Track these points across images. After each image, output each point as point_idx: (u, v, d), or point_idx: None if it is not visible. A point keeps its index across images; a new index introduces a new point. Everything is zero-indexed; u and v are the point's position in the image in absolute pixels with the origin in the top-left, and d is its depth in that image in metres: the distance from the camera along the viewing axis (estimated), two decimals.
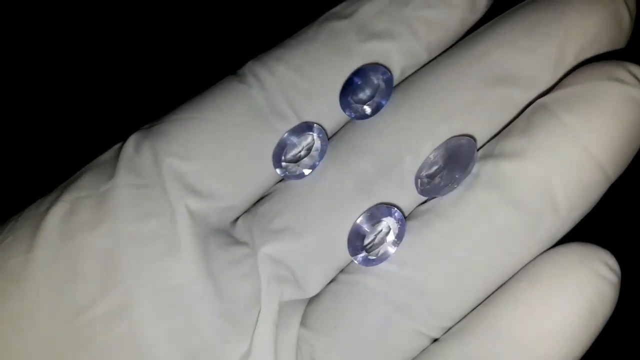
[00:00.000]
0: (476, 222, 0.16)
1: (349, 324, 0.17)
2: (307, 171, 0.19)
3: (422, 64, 0.19)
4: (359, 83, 0.18)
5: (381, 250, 0.17)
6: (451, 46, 0.19)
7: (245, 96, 0.19)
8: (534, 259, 0.16)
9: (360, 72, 0.18)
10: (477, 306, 0.16)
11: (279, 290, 0.18)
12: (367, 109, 0.19)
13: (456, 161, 0.17)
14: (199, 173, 0.18)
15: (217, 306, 0.17)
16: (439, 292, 0.16)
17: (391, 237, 0.17)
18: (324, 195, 0.18)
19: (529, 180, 0.16)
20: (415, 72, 0.19)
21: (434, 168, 0.17)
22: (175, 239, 0.17)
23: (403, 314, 0.16)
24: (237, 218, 0.19)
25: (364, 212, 0.17)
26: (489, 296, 0.16)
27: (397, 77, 0.19)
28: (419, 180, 0.17)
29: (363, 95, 0.19)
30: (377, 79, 0.18)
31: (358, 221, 0.17)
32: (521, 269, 0.16)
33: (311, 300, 0.18)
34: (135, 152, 0.18)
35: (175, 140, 0.18)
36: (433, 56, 0.19)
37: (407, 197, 0.18)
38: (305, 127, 0.19)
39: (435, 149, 0.17)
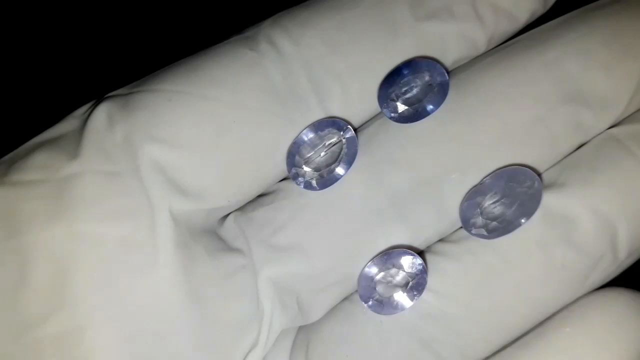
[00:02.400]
0: (530, 257, 0.14)
1: (364, 355, 0.15)
2: (337, 172, 0.15)
3: (477, 55, 0.16)
4: (408, 77, 0.15)
5: (396, 299, 0.14)
6: (510, 39, 0.16)
7: (256, 69, 0.15)
8: (578, 298, 0.15)
9: (413, 65, 0.15)
10: (507, 344, 0.15)
11: (281, 319, 0.15)
12: (411, 112, 0.15)
13: (516, 200, 0.14)
14: (188, 166, 0.14)
15: (198, 335, 0.14)
16: (473, 331, 0.14)
17: (407, 285, 0.14)
18: (346, 212, 0.15)
19: (593, 222, 0.14)
20: (471, 66, 0.16)
21: (492, 204, 0.14)
22: (152, 248, 0.14)
23: (429, 352, 0.14)
24: (227, 215, 0.16)
25: (379, 255, 0.15)
26: (522, 335, 0.15)
27: (448, 65, 0.16)
28: (471, 221, 0.14)
29: (409, 93, 0.15)
30: (431, 79, 0.15)
31: (369, 265, 0.15)
32: (562, 308, 0.15)
33: (314, 325, 0.16)
34: (108, 127, 0.14)
35: (161, 119, 0.14)
36: (490, 48, 0.16)
37: (447, 223, 0.15)
38: (331, 124, 0.15)
39: (493, 176, 0.14)
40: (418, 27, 0.15)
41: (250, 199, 0.16)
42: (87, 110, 0.15)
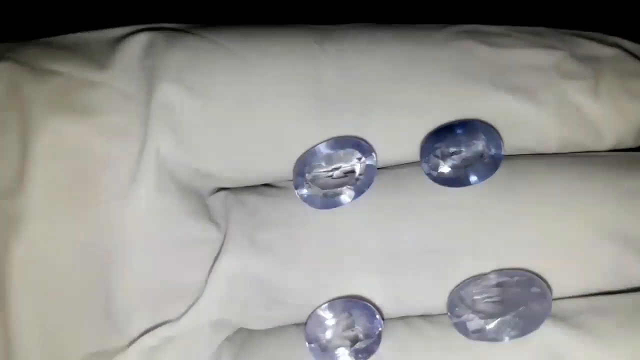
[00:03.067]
0: None
1: None
2: (342, 199, 0.14)
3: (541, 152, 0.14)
4: (460, 138, 0.13)
5: (338, 354, 0.13)
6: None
7: (313, 62, 0.14)
8: None
9: (469, 126, 0.13)
10: None
11: (219, 311, 0.14)
12: (452, 175, 0.13)
13: (513, 310, 0.13)
14: (197, 119, 0.14)
15: (140, 275, 0.14)
16: None
17: (355, 344, 0.13)
18: (335, 243, 0.14)
19: None
20: (534, 157, 0.14)
21: (486, 301, 0.13)
22: (132, 176, 0.14)
23: None
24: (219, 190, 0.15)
25: (335, 300, 0.13)
26: None
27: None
28: (457, 311, 0.13)
29: (456, 155, 0.13)
30: (484, 148, 0.13)
31: (324, 308, 0.13)
32: None
33: (254, 334, 0.14)
34: (144, 53, 0.14)
35: (196, 66, 0.14)
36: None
37: (434, 303, 0.13)
38: (355, 144, 0.13)
39: (500, 274, 0.13)
40: (492, 95, 0.13)
41: (245, 184, 0.15)
42: (134, 32, 0.15)
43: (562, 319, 0.13)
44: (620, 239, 0.13)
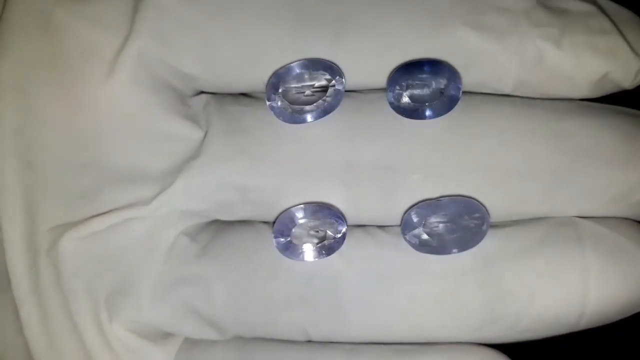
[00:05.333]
0: (442, 282, 0.15)
1: (250, 279, 0.15)
2: (308, 117, 0.14)
3: (498, 92, 0.15)
4: (427, 75, 0.14)
5: (303, 249, 0.15)
6: None
7: None
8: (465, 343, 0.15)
9: (437, 66, 0.14)
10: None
11: (187, 202, 0.15)
12: (411, 108, 0.14)
13: (460, 230, 0.14)
14: (181, 20, 0.14)
15: (113, 159, 0.15)
16: (354, 314, 0.15)
17: (321, 242, 0.15)
18: (301, 153, 0.15)
19: (515, 287, 0.14)
20: (487, 96, 0.15)
21: (437, 222, 0.14)
22: (113, 65, 0.14)
23: (305, 309, 0.15)
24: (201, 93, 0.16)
25: (307, 203, 0.15)
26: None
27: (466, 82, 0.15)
28: (410, 227, 0.14)
29: (419, 90, 0.14)
30: (445, 87, 0.14)
31: (296, 208, 0.15)
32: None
33: (223, 230, 0.16)
34: None
35: None
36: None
37: (386, 215, 0.15)
38: (327, 67, 0.14)
39: (451, 199, 0.14)
40: (460, 31, 0.14)
41: (224, 90, 0.15)
42: None
43: (496, 233, 0.15)
44: (548, 173, 0.14)
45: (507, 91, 0.15)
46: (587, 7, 0.14)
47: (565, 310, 0.14)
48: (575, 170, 0.14)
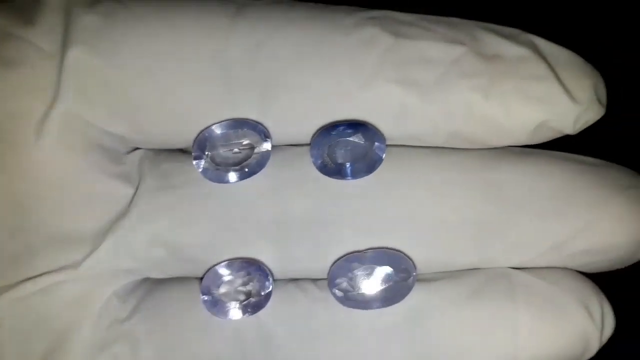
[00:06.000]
0: (369, 339, 0.14)
1: (183, 340, 0.15)
2: (233, 177, 0.15)
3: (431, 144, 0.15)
4: (349, 135, 0.14)
5: (229, 307, 0.15)
6: None
7: (224, 39, 0.14)
8: None
9: (359, 126, 0.14)
10: None
11: (117, 261, 0.15)
12: (336, 169, 0.14)
13: (386, 283, 0.14)
14: (103, 82, 0.14)
15: (44, 222, 0.15)
16: None
17: (247, 300, 0.15)
18: (227, 210, 0.15)
19: (446, 346, 0.14)
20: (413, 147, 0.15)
21: (363, 275, 0.14)
22: (40, 125, 0.14)
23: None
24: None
25: (233, 260, 0.15)
26: None
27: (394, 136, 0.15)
28: (337, 281, 0.15)
29: (342, 150, 0.14)
30: (368, 150, 0.14)
31: (221, 265, 0.15)
32: None
33: (154, 283, 0.16)
34: (64, 14, 0.14)
35: (103, 28, 0.14)
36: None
37: (316, 270, 0.15)
38: (253, 127, 0.14)
39: (378, 252, 0.14)
40: (384, 87, 0.14)
41: (155, 147, 0.15)
42: None
43: (426, 286, 0.15)
44: (478, 224, 0.14)
45: (439, 143, 0.15)
46: (522, 51, 0.14)
47: None
48: (507, 221, 0.14)
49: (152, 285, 0.15)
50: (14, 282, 0.14)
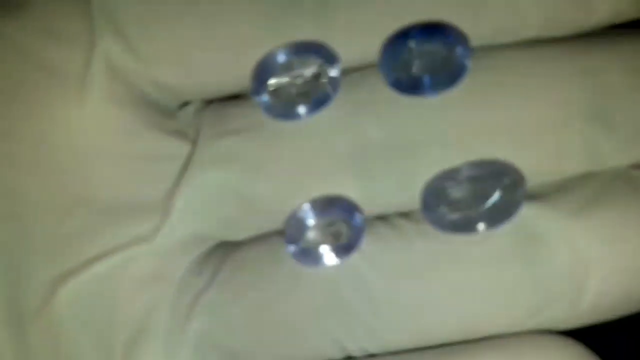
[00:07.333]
0: (481, 266, 0.13)
1: (271, 296, 0.14)
2: (302, 111, 0.13)
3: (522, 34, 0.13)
4: (427, 41, 0.13)
5: (321, 252, 0.13)
6: None
7: None
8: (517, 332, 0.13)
9: (438, 29, 0.13)
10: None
11: (191, 225, 0.14)
12: (412, 82, 0.13)
13: (489, 201, 0.13)
14: (140, 20, 0.13)
15: (97, 194, 0.13)
16: (390, 317, 0.13)
17: (337, 242, 0.13)
18: (300, 148, 0.13)
19: (567, 258, 0.13)
20: (499, 50, 0.13)
21: (460, 194, 0.13)
22: (82, 83, 0.13)
23: (338, 319, 0.13)
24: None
25: (314, 200, 0.13)
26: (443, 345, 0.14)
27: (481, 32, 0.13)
28: (431, 206, 0.13)
29: (421, 60, 0.13)
30: (451, 55, 0.13)
31: (304, 209, 0.13)
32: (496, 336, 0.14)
33: (235, 245, 0.15)
34: None
35: None
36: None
37: (406, 198, 0.14)
38: (316, 50, 0.13)
39: (472, 164, 0.13)
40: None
41: (208, 96, 0.14)
42: None
43: (536, 200, 0.13)
44: (593, 117, 0.13)
45: (531, 34, 0.13)
46: None
47: (634, 280, 0.13)
48: (613, 109, 0.13)
49: (229, 249, 0.14)
50: (78, 264, 0.13)
